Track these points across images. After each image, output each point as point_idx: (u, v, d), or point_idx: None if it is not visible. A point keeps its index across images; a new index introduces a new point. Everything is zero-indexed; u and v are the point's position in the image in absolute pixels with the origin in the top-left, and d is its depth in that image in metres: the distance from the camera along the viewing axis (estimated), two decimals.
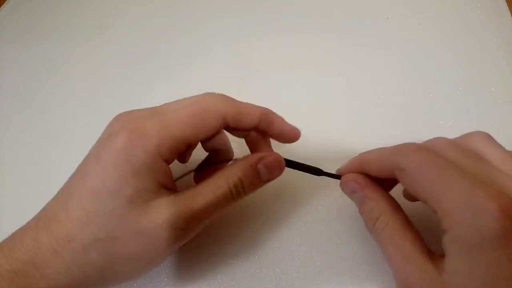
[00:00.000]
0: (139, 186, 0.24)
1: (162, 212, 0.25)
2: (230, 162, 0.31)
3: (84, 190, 0.25)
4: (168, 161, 0.26)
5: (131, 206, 0.24)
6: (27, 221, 0.26)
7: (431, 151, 0.24)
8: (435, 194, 0.22)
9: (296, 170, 0.31)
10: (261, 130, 0.30)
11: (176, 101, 0.28)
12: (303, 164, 0.31)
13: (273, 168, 0.28)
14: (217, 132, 0.28)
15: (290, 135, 0.31)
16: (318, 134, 0.39)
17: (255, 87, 0.44)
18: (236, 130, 0.29)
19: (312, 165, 0.31)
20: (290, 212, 0.35)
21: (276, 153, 0.29)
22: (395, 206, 0.26)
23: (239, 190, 0.27)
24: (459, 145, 0.25)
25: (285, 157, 0.30)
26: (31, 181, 0.41)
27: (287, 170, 0.30)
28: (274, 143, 0.33)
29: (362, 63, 0.44)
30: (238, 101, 0.29)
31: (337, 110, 0.41)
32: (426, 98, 0.41)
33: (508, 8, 0.47)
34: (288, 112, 0.39)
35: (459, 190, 0.21)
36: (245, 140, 0.32)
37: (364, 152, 0.28)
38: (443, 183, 0.22)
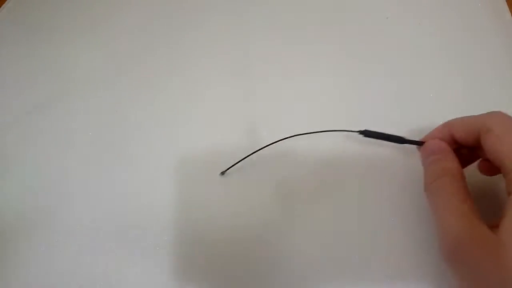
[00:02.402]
0: None
1: None
2: None
3: None
4: None
5: None
6: None
7: None
8: None
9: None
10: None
11: None
12: (384, 133, 0.33)
13: None
14: None
15: None
16: (320, 135, 0.39)
17: (255, 87, 0.44)
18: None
19: (393, 134, 0.33)
20: (292, 212, 0.35)
21: None
22: (463, 178, 0.27)
23: None
24: None
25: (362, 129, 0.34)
26: (33, 180, 0.41)
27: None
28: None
29: (362, 63, 0.44)
30: None
31: (336, 109, 0.41)
32: (427, 98, 0.41)
33: (508, 9, 0.47)
34: (289, 112, 0.39)
35: None
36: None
37: (450, 119, 0.30)
38: None
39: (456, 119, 0.30)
